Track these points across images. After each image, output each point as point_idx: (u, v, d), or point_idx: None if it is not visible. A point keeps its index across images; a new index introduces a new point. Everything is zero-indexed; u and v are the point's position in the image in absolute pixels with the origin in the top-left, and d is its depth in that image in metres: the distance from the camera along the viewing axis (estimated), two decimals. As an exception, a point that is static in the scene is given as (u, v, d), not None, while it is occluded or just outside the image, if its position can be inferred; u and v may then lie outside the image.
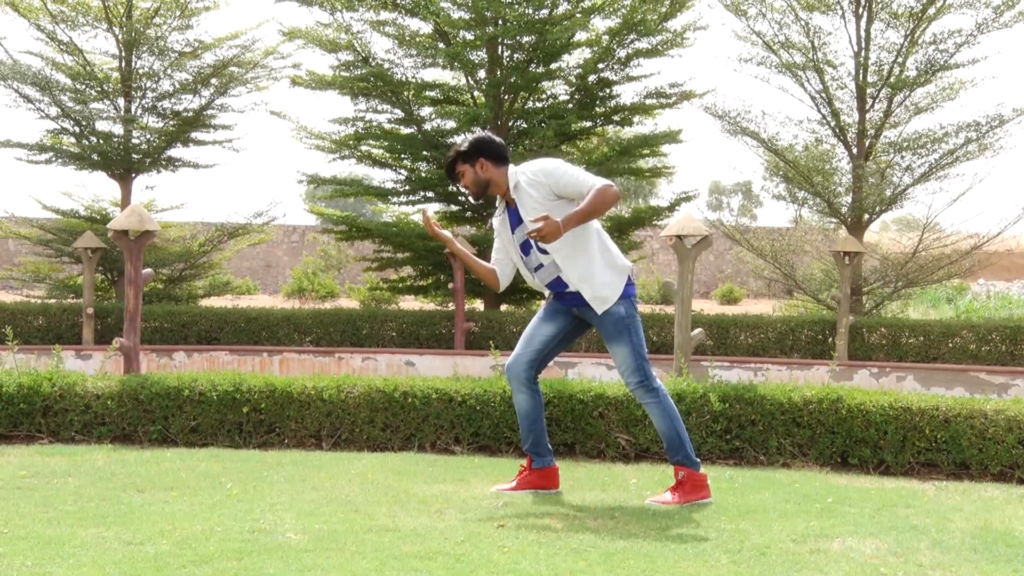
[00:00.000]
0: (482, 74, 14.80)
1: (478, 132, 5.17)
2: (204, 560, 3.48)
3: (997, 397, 7.95)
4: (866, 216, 14.35)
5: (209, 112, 16.06)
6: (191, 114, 15.86)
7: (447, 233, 4.93)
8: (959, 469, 5.64)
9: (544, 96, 15.25)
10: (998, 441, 5.54)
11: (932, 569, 3.56)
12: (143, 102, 15.63)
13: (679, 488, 4.62)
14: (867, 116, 14.36)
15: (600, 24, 15.14)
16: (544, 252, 4.66)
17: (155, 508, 4.32)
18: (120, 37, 15.20)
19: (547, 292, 4.85)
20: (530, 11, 14.16)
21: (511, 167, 4.76)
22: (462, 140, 4.88)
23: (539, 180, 4.62)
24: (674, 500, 4.57)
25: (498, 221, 4.85)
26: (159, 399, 6.26)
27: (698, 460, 4.73)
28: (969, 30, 13.93)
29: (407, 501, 4.53)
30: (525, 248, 4.73)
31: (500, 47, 14.57)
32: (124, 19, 15.11)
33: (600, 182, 4.55)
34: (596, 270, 4.63)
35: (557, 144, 14.49)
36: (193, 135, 16.13)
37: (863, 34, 14.22)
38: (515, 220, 4.74)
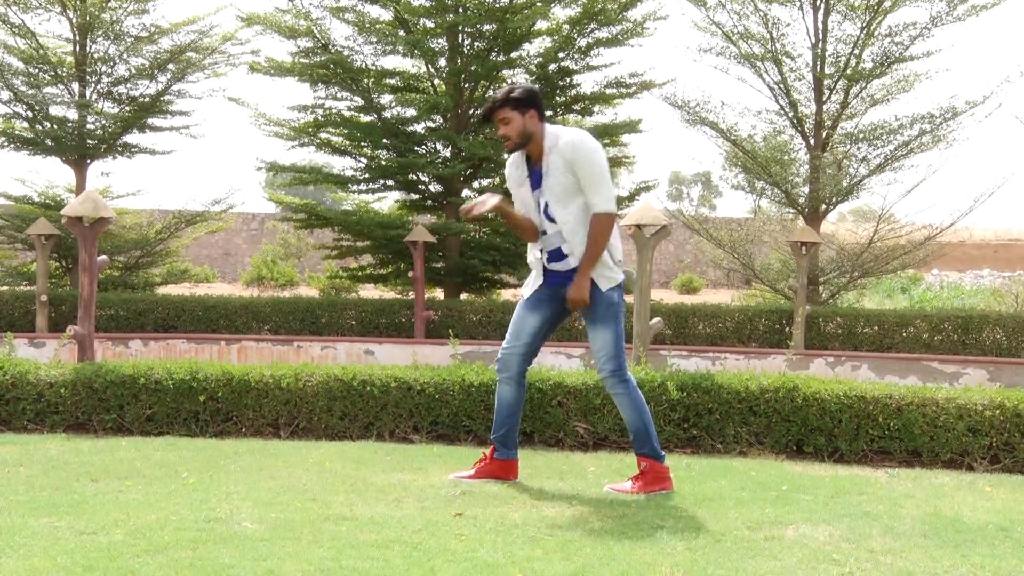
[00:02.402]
0: (443, 62, 14.75)
1: (524, 84, 4.97)
2: (158, 549, 3.45)
3: (949, 386, 8.09)
4: (823, 207, 14.52)
5: (166, 98, 15.86)
6: (148, 100, 15.65)
7: (494, 200, 4.63)
8: (911, 456, 5.74)
9: (505, 84, 15.22)
10: (949, 429, 5.64)
11: (883, 555, 3.62)
12: (98, 87, 15.40)
13: (641, 478, 4.62)
14: (824, 107, 14.52)
15: (561, 13, 15.15)
16: (552, 221, 4.60)
17: (109, 497, 4.27)
18: (74, 21, 14.96)
19: (533, 270, 4.77)
20: (490, -1, 14.13)
21: (548, 126, 4.66)
22: (510, 86, 4.69)
23: (568, 153, 4.51)
24: (634, 489, 4.58)
25: (516, 174, 4.71)
26: (114, 387, 6.18)
27: (663, 453, 4.72)
28: (923, 23, 14.13)
29: (365, 490, 4.52)
30: (540, 208, 4.65)
31: (461, 35, 14.53)
32: (78, 2, 14.86)
33: (605, 207, 4.53)
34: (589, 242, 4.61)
35: (518, 133, 14.45)
36: (150, 121, 15.93)
37: (820, 26, 14.36)
38: (536, 179, 4.63)
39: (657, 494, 4.55)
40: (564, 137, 4.56)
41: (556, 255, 4.67)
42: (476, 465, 4.86)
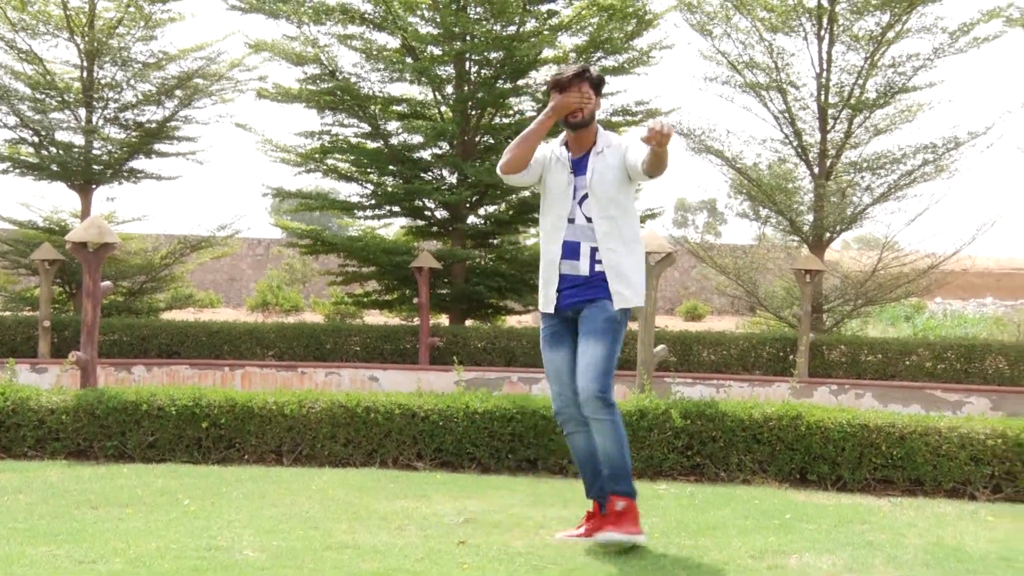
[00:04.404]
0: (449, 89, 14.83)
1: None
2: (159, 577, 3.44)
3: (951, 414, 8.07)
4: (827, 235, 14.53)
5: (173, 124, 15.94)
6: (154, 125, 15.73)
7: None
8: (914, 485, 5.72)
9: (511, 112, 15.31)
10: (951, 458, 5.63)
11: (886, 585, 3.60)
12: (105, 113, 15.49)
13: (622, 520, 4.10)
14: (828, 136, 14.57)
15: (567, 41, 15.24)
16: (587, 218, 4.29)
17: (109, 525, 4.27)
18: (82, 47, 15.07)
19: (544, 279, 4.37)
20: (498, 27, 14.23)
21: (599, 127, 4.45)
22: (588, 67, 4.38)
23: (621, 143, 4.37)
24: (610, 530, 4.09)
25: (558, 151, 4.42)
26: (116, 414, 6.19)
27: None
28: (926, 54, 14.21)
29: (367, 517, 4.51)
30: (576, 198, 4.34)
31: (468, 63, 14.62)
32: (86, 28, 14.98)
33: None
34: (629, 263, 4.31)
35: (523, 160, 14.51)
36: (156, 147, 16.00)
37: (825, 56, 14.43)
38: (579, 167, 4.35)
39: (632, 538, 4.05)
40: (617, 138, 4.45)
41: (572, 251, 4.29)
42: (587, 523, 4.33)
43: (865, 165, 14.60)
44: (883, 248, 14.76)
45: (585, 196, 4.30)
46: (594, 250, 4.29)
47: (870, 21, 14.13)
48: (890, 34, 14.16)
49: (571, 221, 4.31)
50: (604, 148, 4.36)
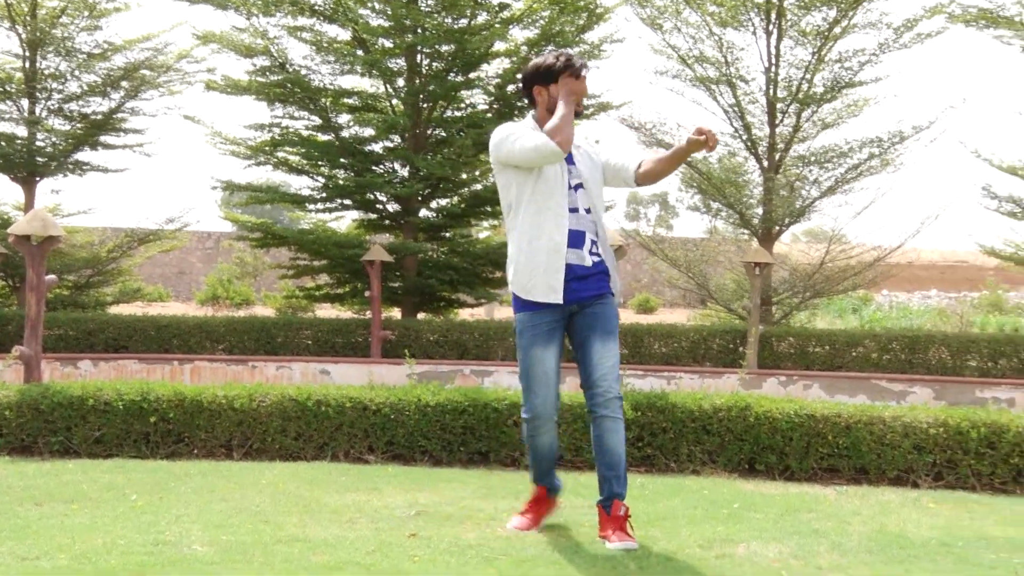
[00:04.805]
0: (401, 82, 14.77)
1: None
2: (104, 574, 3.40)
3: (896, 404, 8.22)
4: (776, 228, 14.72)
5: (119, 115, 15.70)
6: (100, 117, 15.47)
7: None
8: (859, 474, 5.83)
9: (463, 105, 15.29)
10: (895, 447, 5.74)
11: (830, 571, 3.67)
12: (48, 104, 15.20)
13: (625, 525, 4.03)
14: (777, 130, 14.75)
15: (519, 35, 15.26)
16: (588, 211, 4.18)
17: (54, 522, 4.20)
18: (24, 36, 14.77)
19: (542, 267, 4.08)
20: (449, 20, 14.19)
21: None
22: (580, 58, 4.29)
23: (593, 149, 4.33)
24: (632, 537, 4.00)
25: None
26: (61, 409, 6.09)
27: None
28: (872, 50, 14.43)
29: (318, 511, 4.49)
30: (571, 185, 4.20)
31: (419, 55, 14.56)
32: (28, 18, 14.69)
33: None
34: (612, 258, 4.27)
35: (475, 153, 14.53)
36: (102, 139, 15.75)
37: (773, 51, 14.60)
38: (567, 157, 4.19)
39: (628, 548, 3.94)
40: (585, 141, 4.42)
41: (578, 240, 4.11)
42: (531, 513, 4.32)
43: (813, 159, 14.81)
44: (831, 241, 14.99)
45: (579, 185, 4.18)
46: (593, 242, 4.17)
47: (817, 16, 14.32)
48: (836, 29, 14.36)
49: (573, 210, 4.13)
50: (580, 143, 4.34)
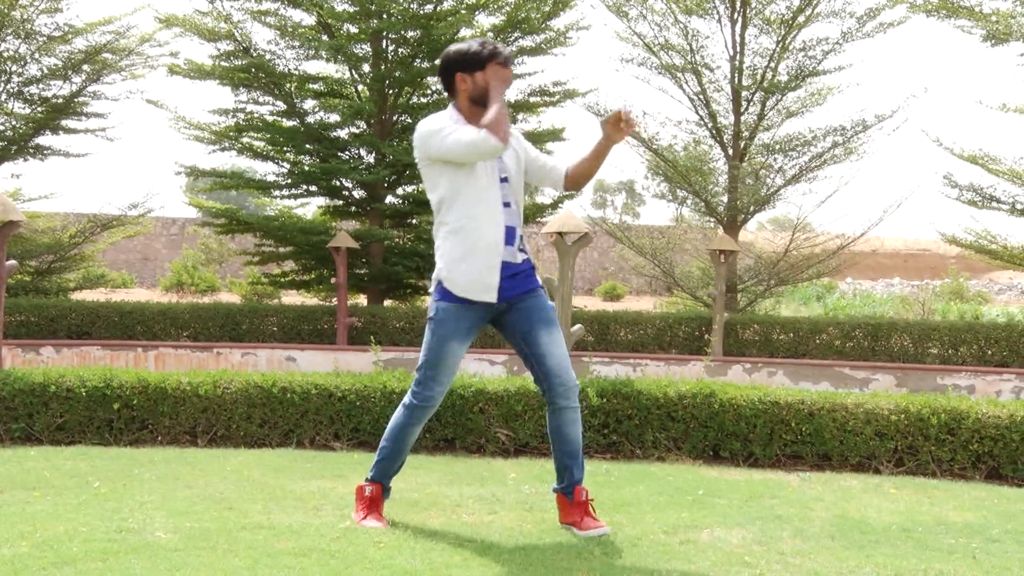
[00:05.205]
0: (366, 68, 14.68)
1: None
2: (66, 562, 3.36)
3: (859, 391, 8.33)
4: (741, 216, 14.82)
5: (81, 99, 15.48)
6: (61, 101, 15.25)
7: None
8: (822, 460, 5.90)
9: (429, 91, 15.23)
10: (857, 433, 5.82)
11: (793, 556, 3.72)
12: (8, 87, 14.96)
13: (588, 507, 4.06)
14: (742, 118, 14.84)
15: (485, 21, 15.22)
16: (516, 205, 4.07)
17: (15, 509, 4.16)
18: (-18, 18, 14.50)
19: (479, 263, 3.94)
20: (415, 6, 14.12)
21: None
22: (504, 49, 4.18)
23: (516, 142, 4.21)
24: (602, 523, 4.02)
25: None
26: (22, 395, 6.02)
27: None
28: (835, 39, 14.56)
29: (283, 498, 4.47)
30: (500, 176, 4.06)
31: (385, 41, 14.48)
32: (-12, -1, 14.41)
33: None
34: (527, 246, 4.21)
35: (442, 140, 14.46)
36: (63, 123, 15.53)
37: (738, 39, 14.68)
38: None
39: (602, 533, 3.96)
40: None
41: (511, 236, 4.01)
42: (372, 508, 4.13)
43: (777, 147, 14.92)
44: (795, 229, 15.13)
45: (505, 179, 4.05)
46: (521, 237, 4.07)
47: (781, 5, 14.42)
48: (800, 18, 14.46)
49: (507, 205, 4.00)
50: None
